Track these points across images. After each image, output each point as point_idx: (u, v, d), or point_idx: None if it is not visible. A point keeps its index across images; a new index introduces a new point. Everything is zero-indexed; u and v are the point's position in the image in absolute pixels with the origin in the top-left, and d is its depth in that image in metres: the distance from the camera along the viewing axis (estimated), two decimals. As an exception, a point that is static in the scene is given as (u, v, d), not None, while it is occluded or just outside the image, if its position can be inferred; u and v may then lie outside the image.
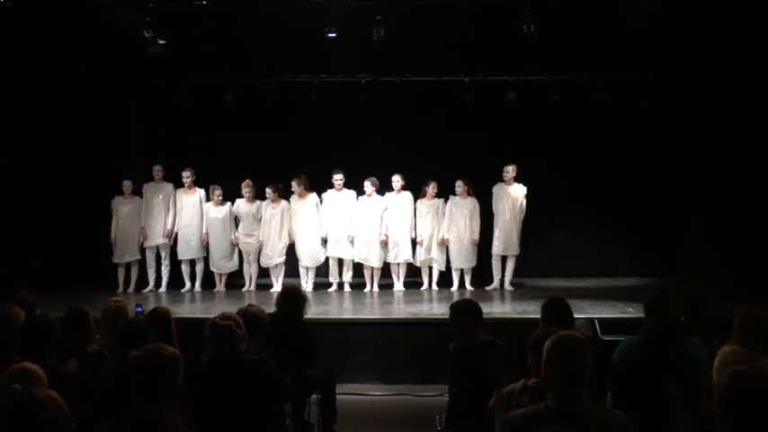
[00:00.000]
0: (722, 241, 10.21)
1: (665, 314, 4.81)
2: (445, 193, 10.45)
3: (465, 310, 4.97)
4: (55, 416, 2.60)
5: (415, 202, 10.40)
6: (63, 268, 10.27)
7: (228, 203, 10.43)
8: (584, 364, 2.99)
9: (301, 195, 10.31)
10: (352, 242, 10.33)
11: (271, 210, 10.34)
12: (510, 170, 10.35)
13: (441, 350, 5.29)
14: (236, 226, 10.50)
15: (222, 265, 10.51)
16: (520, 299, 9.45)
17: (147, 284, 10.51)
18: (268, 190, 10.31)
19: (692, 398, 3.63)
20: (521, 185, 10.39)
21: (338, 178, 10.29)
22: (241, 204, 10.41)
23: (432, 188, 10.34)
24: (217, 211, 10.39)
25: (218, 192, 10.34)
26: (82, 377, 4.27)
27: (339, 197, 10.37)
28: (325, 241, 10.40)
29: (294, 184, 10.28)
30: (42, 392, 2.69)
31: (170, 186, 10.49)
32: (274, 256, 10.37)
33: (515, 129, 11.46)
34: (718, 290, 8.65)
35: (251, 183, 10.34)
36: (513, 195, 10.36)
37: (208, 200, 10.46)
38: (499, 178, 10.44)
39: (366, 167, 10.59)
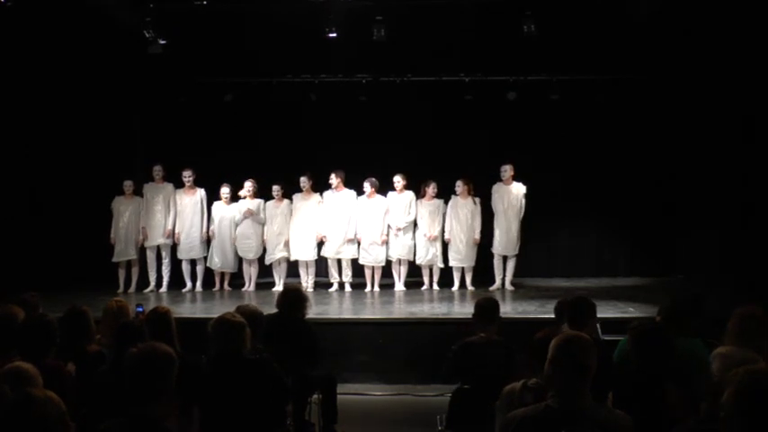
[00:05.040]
0: (722, 241, 10.20)
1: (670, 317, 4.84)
2: (445, 193, 10.46)
3: (491, 308, 5.16)
4: (52, 415, 2.60)
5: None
6: (63, 268, 10.28)
7: (234, 203, 10.49)
8: (589, 365, 2.99)
9: (307, 192, 10.40)
10: (358, 243, 10.34)
11: (273, 208, 10.41)
12: (507, 169, 10.36)
13: (441, 350, 5.29)
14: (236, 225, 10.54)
15: (228, 262, 10.53)
16: (520, 299, 9.45)
17: (148, 285, 10.51)
18: (276, 187, 10.40)
19: (692, 398, 3.62)
20: (520, 184, 10.40)
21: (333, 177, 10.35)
22: (244, 203, 10.46)
23: (431, 188, 10.35)
24: (226, 210, 10.43)
25: (226, 190, 10.42)
26: (81, 377, 4.28)
27: (338, 197, 10.39)
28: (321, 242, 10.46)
29: (304, 179, 10.36)
30: (39, 392, 2.69)
31: (170, 186, 10.52)
32: (276, 252, 10.40)
33: (515, 129, 11.46)
34: (719, 290, 8.66)
35: (253, 181, 10.43)
36: (511, 195, 10.37)
37: (209, 199, 10.51)
38: (498, 178, 10.44)
39: (366, 167, 10.60)
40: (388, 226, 10.37)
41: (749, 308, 4.36)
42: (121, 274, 10.50)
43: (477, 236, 10.33)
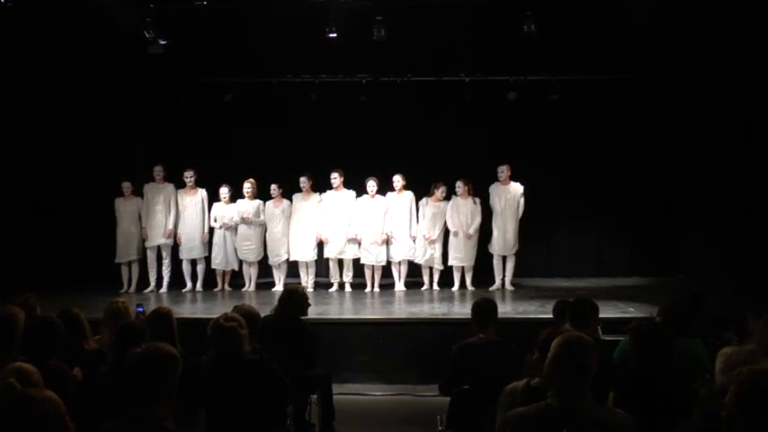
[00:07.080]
0: (722, 241, 10.21)
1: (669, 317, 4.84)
2: (448, 194, 10.45)
3: (490, 308, 5.16)
4: (51, 416, 2.60)
5: (417, 201, 10.41)
6: (63, 268, 10.28)
7: (233, 204, 10.49)
8: (590, 366, 2.99)
9: (306, 192, 10.39)
10: (359, 243, 10.34)
11: (273, 208, 10.41)
12: (504, 169, 10.35)
13: (441, 350, 5.29)
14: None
15: (230, 261, 10.53)
16: (520, 299, 9.44)
17: (148, 285, 10.51)
18: (273, 186, 10.40)
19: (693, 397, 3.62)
20: (517, 184, 10.39)
21: (335, 177, 10.34)
22: (242, 204, 10.46)
23: (440, 192, 10.33)
24: (226, 210, 10.44)
25: (225, 190, 10.42)
26: (82, 378, 4.27)
27: (338, 197, 10.39)
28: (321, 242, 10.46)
29: (303, 179, 10.37)
30: (38, 392, 2.69)
31: (171, 187, 10.53)
32: (282, 253, 10.41)
33: (515, 129, 11.46)
34: (719, 290, 8.66)
35: (253, 181, 10.43)
36: (509, 195, 10.35)
37: (210, 200, 10.51)
38: (497, 178, 10.43)
39: (366, 167, 10.60)
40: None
41: None
42: (125, 272, 10.52)
43: (471, 231, 10.30)
